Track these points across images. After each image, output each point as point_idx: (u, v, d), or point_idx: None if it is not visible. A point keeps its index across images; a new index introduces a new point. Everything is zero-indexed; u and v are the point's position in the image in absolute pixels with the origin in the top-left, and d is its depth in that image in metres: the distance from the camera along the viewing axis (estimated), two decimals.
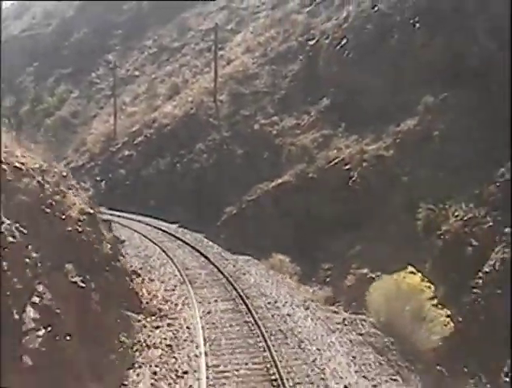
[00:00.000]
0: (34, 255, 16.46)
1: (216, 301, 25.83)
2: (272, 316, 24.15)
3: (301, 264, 34.09)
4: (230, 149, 47.06)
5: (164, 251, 35.33)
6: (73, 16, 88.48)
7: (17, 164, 17.85)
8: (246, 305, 24.63)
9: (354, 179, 36.72)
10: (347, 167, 37.47)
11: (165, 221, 44.93)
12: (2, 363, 13.41)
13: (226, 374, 18.72)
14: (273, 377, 18.32)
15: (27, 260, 16.00)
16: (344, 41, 45.29)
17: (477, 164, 30.54)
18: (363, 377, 19.64)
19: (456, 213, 30.69)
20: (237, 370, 18.94)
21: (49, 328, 15.29)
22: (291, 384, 17.92)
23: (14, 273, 15.10)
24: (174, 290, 27.38)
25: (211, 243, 38.75)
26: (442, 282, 28.14)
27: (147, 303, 24.71)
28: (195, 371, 19.03)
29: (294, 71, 48.97)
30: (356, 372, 19.86)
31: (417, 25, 39.96)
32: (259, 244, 36.29)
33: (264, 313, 24.37)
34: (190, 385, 18.09)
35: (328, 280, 32.81)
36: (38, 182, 18.83)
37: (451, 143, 33.19)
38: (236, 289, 26.94)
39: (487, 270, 27.34)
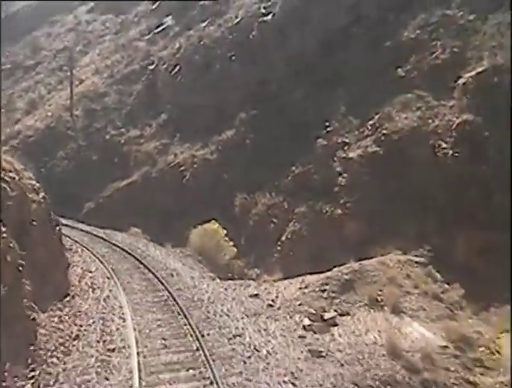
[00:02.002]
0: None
1: (101, 248, 35.20)
2: (138, 251, 34.61)
3: (151, 238, 38.48)
4: (87, 156, 48.84)
5: None
6: None
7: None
8: (121, 248, 34.74)
9: (187, 177, 40.58)
10: (182, 169, 41.25)
11: None
12: None
13: (121, 270, 29.84)
14: (145, 272, 29.49)
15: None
16: (177, 68, 48.61)
17: (277, 163, 34.94)
18: (185, 265, 32.35)
19: (263, 200, 35.15)
20: (126, 269, 30.27)
21: None
22: (154, 271, 29.23)
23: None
24: (72, 245, 34.91)
25: (81, 224, 42.34)
26: (253, 251, 33.62)
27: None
28: (101, 270, 30.05)
29: (137, 90, 51.75)
30: (182, 264, 32.39)
31: (233, 57, 44.04)
32: (118, 225, 40.54)
33: (134, 250, 34.36)
34: (104, 272, 29.51)
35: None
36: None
37: (259, 149, 37.18)
38: (111, 242, 36.72)
39: (283, 239, 32.36)
